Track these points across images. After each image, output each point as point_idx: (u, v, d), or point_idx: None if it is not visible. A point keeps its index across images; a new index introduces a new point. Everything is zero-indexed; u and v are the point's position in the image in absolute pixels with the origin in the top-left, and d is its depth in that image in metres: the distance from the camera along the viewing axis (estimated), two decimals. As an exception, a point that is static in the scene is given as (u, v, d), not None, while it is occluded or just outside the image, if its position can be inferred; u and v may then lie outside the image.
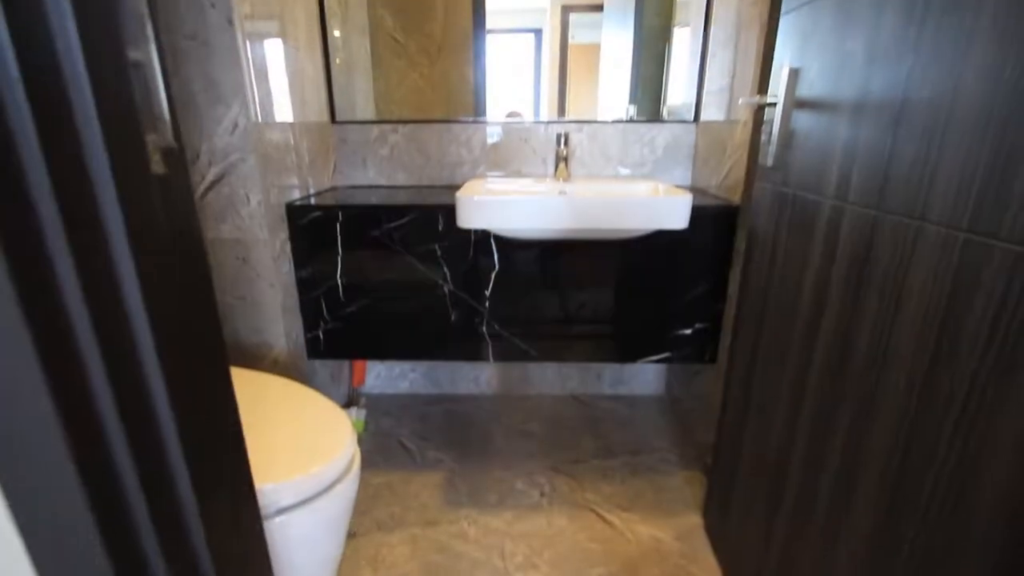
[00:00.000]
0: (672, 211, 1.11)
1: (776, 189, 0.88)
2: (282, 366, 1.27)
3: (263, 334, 1.25)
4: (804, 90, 0.80)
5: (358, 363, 1.72)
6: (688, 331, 1.29)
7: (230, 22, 1.01)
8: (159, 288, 0.33)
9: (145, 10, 0.30)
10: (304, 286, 1.29)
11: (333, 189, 1.51)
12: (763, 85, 1.04)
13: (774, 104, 0.84)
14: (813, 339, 0.77)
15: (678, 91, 1.51)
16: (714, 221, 1.19)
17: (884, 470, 0.62)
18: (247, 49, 1.05)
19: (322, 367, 1.50)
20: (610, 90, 1.53)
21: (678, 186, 1.35)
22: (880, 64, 0.64)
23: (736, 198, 1.20)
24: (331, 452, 0.82)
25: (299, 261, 1.27)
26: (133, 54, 0.29)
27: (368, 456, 1.50)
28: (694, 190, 1.42)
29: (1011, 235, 0.47)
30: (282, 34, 1.21)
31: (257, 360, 1.27)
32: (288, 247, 1.25)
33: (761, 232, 0.94)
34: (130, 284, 0.31)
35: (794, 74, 0.81)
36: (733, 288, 1.21)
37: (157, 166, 0.31)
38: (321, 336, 1.33)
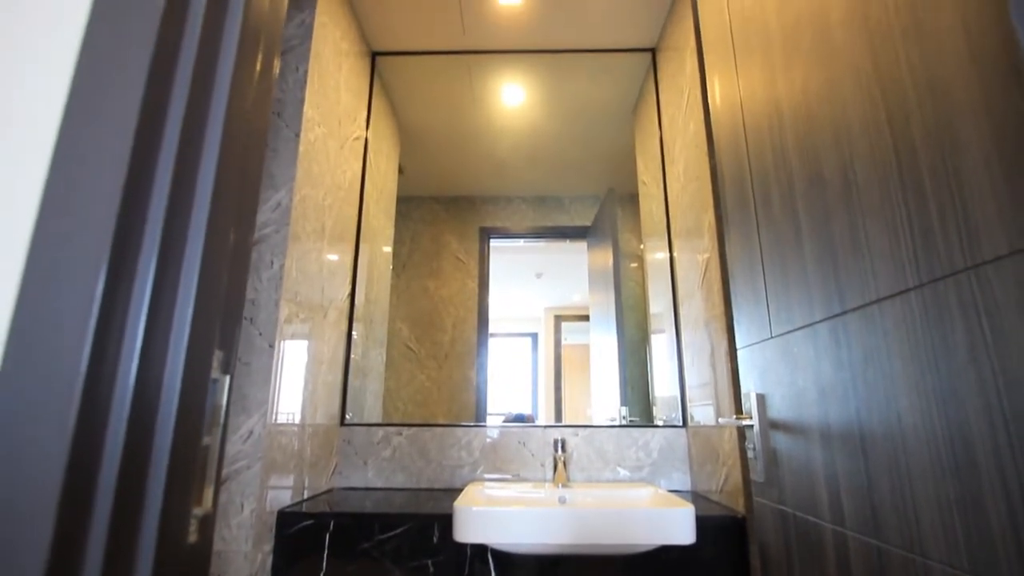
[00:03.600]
0: (677, 525, 1.07)
1: (775, 507, 0.88)
2: None
3: None
4: (774, 413, 0.89)
5: None
6: (720, 676, 1.09)
7: (271, 346, 1.18)
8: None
9: (223, 402, 0.38)
10: (276, 611, 1.14)
11: (329, 491, 1.48)
12: (738, 402, 1.14)
13: (751, 425, 0.92)
14: None
15: (664, 385, 1.64)
16: (723, 534, 1.14)
17: None
18: (280, 367, 1.19)
19: None
20: (602, 389, 1.67)
21: (678, 491, 1.34)
22: (830, 400, 0.73)
23: (739, 506, 1.17)
24: None
25: (277, 579, 1.16)
26: (206, 439, 0.36)
27: None
28: (695, 496, 1.40)
29: (1014, 584, 0.46)
30: (310, 351, 1.39)
31: None
32: (269, 561, 1.16)
33: (773, 552, 0.90)
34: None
35: (762, 399, 0.91)
36: (760, 617, 1.07)
37: (192, 535, 0.34)
38: None
